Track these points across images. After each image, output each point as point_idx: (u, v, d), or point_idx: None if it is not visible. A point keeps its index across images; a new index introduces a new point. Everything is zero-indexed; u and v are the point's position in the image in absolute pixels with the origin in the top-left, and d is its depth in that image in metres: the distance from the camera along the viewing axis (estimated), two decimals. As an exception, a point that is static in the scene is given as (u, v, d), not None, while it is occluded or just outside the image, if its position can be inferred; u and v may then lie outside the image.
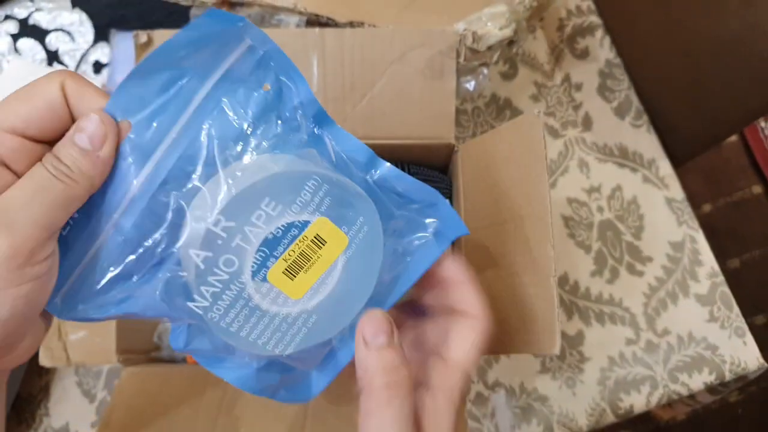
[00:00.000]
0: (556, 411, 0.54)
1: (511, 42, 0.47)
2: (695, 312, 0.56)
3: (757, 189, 1.22)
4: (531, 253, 0.38)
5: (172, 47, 0.24)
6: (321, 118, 0.28)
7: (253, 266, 0.26)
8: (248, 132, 0.26)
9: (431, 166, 0.51)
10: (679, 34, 0.59)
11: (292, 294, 0.27)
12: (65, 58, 0.64)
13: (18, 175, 0.23)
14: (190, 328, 0.28)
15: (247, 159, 0.26)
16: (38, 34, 0.64)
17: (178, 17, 0.62)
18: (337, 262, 0.27)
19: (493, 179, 0.43)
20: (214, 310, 0.26)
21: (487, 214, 0.43)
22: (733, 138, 1.22)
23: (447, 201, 0.31)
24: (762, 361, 0.55)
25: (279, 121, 0.27)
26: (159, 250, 0.25)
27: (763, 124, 1.22)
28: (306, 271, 0.27)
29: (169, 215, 0.25)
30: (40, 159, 0.24)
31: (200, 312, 0.26)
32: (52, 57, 0.64)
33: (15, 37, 0.64)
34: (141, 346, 0.48)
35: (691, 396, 0.57)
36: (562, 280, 0.57)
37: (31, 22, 0.65)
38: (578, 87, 0.63)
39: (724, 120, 0.59)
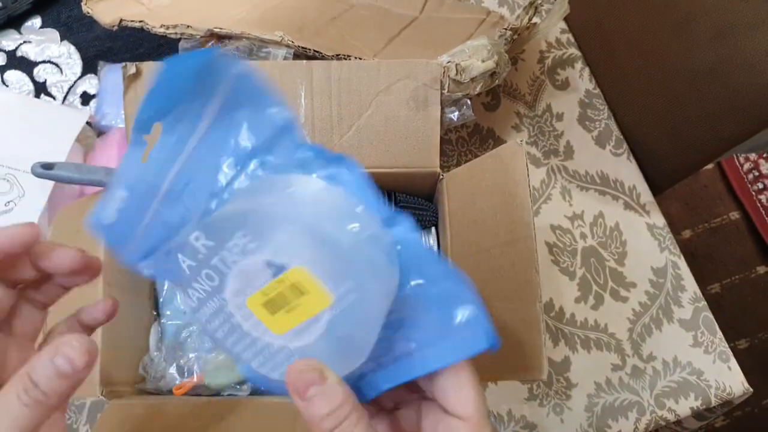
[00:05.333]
0: (544, 438, 0.54)
1: (493, 73, 0.49)
2: (679, 337, 0.57)
3: (735, 215, 1.24)
4: (516, 279, 0.39)
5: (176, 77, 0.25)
6: (332, 158, 0.27)
7: (233, 288, 0.26)
8: (255, 152, 0.27)
9: (417, 194, 0.52)
10: (656, 66, 0.60)
11: (273, 328, 0.26)
12: (53, 90, 0.64)
13: None
14: None
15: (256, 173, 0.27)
16: (26, 66, 0.65)
17: (166, 50, 0.63)
18: (320, 317, 0.25)
19: (478, 207, 0.44)
20: (200, 312, 0.27)
21: (473, 241, 0.44)
22: (710, 165, 1.25)
23: (479, 303, 0.25)
24: (747, 386, 0.55)
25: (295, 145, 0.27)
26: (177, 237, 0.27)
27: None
28: (287, 312, 0.25)
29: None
30: None
31: (193, 306, 0.27)
32: (40, 89, 0.64)
33: (2, 69, 0.64)
34: (126, 378, 0.47)
35: (678, 422, 0.57)
36: (548, 307, 0.58)
37: (19, 54, 0.65)
38: (559, 117, 0.64)
39: (701, 149, 0.60)
